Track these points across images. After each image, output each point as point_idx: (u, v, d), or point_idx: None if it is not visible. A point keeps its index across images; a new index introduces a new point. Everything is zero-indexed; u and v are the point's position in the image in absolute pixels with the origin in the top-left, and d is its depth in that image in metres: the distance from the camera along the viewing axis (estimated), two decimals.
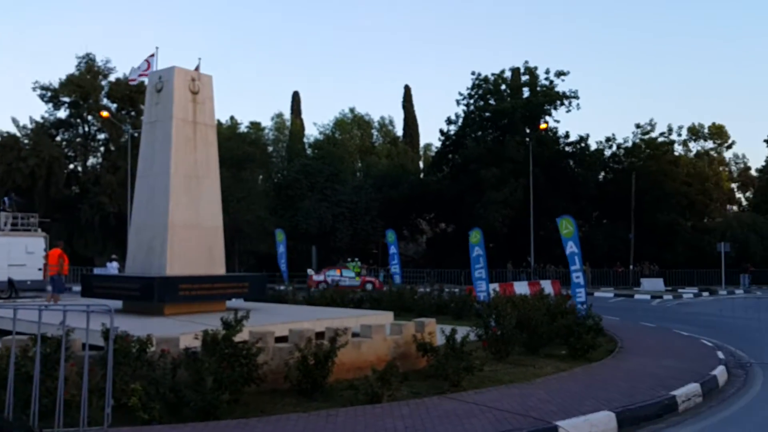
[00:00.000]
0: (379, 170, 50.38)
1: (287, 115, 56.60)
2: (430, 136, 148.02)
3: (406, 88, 59.29)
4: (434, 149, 54.51)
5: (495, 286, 21.16)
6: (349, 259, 37.78)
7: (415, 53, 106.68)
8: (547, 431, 6.40)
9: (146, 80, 15.35)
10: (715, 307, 24.37)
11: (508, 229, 41.17)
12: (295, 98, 57.50)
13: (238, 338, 7.21)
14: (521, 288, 22.28)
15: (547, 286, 24.13)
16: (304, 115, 56.89)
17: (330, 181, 43.93)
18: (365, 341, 9.01)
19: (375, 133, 60.23)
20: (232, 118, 48.77)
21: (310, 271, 34.16)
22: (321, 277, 31.66)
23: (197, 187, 12.94)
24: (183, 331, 8.77)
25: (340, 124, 56.30)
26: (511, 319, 10.60)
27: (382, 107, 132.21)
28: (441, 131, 48.34)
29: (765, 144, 54.77)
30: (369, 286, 30.18)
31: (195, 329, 8.08)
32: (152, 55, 16.30)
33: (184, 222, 12.53)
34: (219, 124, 40.17)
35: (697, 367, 9.90)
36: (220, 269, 13.22)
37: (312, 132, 59.28)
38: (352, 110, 57.83)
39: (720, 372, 9.61)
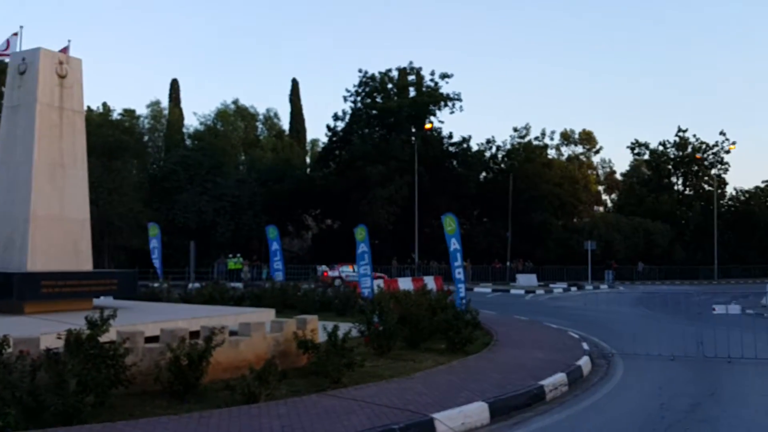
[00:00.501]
0: (264, 164, 49.48)
1: (165, 103, 54.11)
2: (317, 131, 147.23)
3: (293, 81, 58.61)
4: (321, 145, 54.28)
5: (379, 282, 21.40)
6: (230, 255, 36.76)
7: (305, 46, 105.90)
8: (424, 424, 6.49)
9: (7, 60, 14.08)
10: (581, 301, 26.06)
11: (394, 225, 41.86)
12: (174, 86, 55.01)
13: (104, 338, 6.75)
14: (405, 284, 22.65)
15: (430, 282, 24.71)
16: (183, 105, 54.60)
17: (211, 174, 42.43)
18: (243, 340, 8.73)
19: (260, 125, 58.90)
20: (104, 104, 45.76)
21: (323, 267, 34.27)
22: (336, 273, 31.79)
23: (63, 176, 12.00)
24: (44, 330, 8.08)
25: (222, 115, 54.53)
26: (393, 315, 10.72)
27: (269, 100, 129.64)
28: (328, 127, 48.31)
29: (628, 150, 59.40)
30: (380, 282, 30.51)
31: (58, 329, 7.44)
32: (15, 34, 14.94)
33: (47, 214, 11.58)
34: (89, 110, 37.75)
35: (564, 357, 10.48)
36: (87, 265, 12.35)
37: (192, 122, 56.83)
38: (235, 102, 56.27)
39: (585, 362, 10.22)
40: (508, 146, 50.08)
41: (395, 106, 44.95)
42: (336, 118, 47.91)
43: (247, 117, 56.76)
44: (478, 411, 7.03)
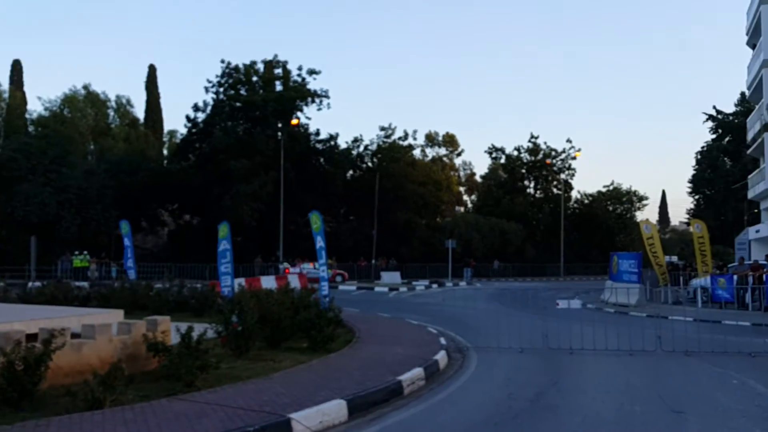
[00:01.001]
0: (115, 155, 46.48)
1: (5, 86, 49.27)
2: (175, 122, 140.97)
3: (150, 67, 55.68)
4: (180, 136, 51.95)
5: (241, 281, 20.81)
6: (76, 252, 34.15)
7: (164, 32, 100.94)
8: (280, 424, 6.35)
9: None
10: (441, 298, 27.06)
11: (258, 222, 41.01)
12: (16, 67, 50.32)
13: None
14: (268, 282, 22.19)
15: (294, 280, 24.48)
16: (26, 88, 50.16)
17: (55, 164, 39.11)
18: (87, 342, 8.09)
19: (111, 113, 55.25)
20: None
21: (285, 264, 34.40)
22: (297, 270, 30.81)
23: None
24: None
25: (70, 100, 50.55)
26: (253, 314, 10.43)
27: (123, 86, 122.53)
28: (188, 117, 46.34)
29: (487, 154, 62.56)
30: (339, 279, 30.90)
31: None
32: None
33: None
34: None
35: (422, 352, 10.76)
36: None
37: (36, 107, 52.31)
38: (86, 87, 52.38)
39: (441, 356, 10.56)
40: (375, 146, 50.83)
41: (260, 100, 44.06)
42: (197, 108, 46.13)
43: (97, 104, 53.01)
44: (336, 409, 7.00)
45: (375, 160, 50.33)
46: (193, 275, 30.23)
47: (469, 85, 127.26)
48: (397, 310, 20.75)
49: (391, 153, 49.62)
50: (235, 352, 10.11)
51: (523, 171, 61.02)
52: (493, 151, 61.93)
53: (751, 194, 36.76)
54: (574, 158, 60.38)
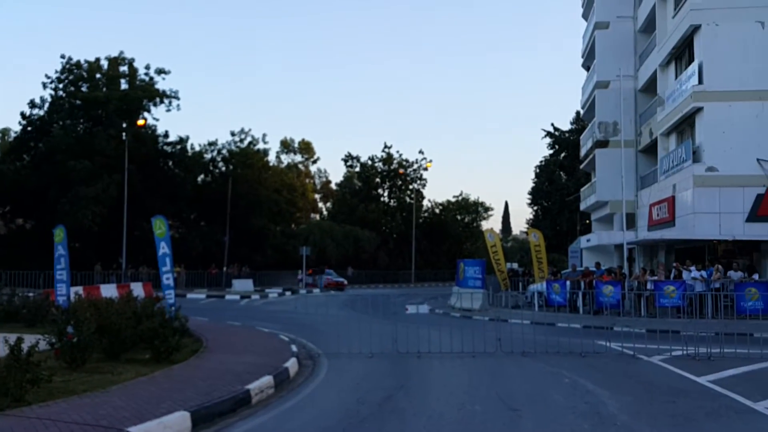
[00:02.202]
0: None
1: None
2: (8, 119, 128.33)
3: None
4: (14, 134, 47.27)
5: (78, 289, 19.31)
6: None
7: None
8: None
9: None
10: (294, 305, 26.87)
11: (99, 227, 38.23)
12: None
13: None
14: (109, 291, 20.83)
15: (137, 288, 23.11)
16: None
17: None
18: None
19: None
20: None
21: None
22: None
23: None
24: None
25: None
26: (90, 324, 9.69)
27: None
28: (23, 115, 42.22)
29: (342, 162, 63.32)
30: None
31: None
32: None
33: None
34: None
35: (273, 360, 10.60)
36: None
37: None
38: None
39: (292, 364, 10.46)
40: (227, 150, 49.29)
41: (103, 98, 41.24)
42: (33, 105, 42.17)
43: None
44: (179, 421, 6.67)
45: (228, 165, 48.89)
46: (27, 283, 27.52)
47: (325, 92, 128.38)
48: (248, 318, 20.29)
49: (245, 158, 48.43)
50: (71, 364, 9.36)
51: (378, 180, 62.47)
52: (349, 159, 62.88)
53: (583, 206, 40.38)
54: (425, 169, 62.86)
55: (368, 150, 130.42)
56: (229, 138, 49.42)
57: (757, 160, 22.71)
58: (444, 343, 12.66)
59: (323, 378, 10.11)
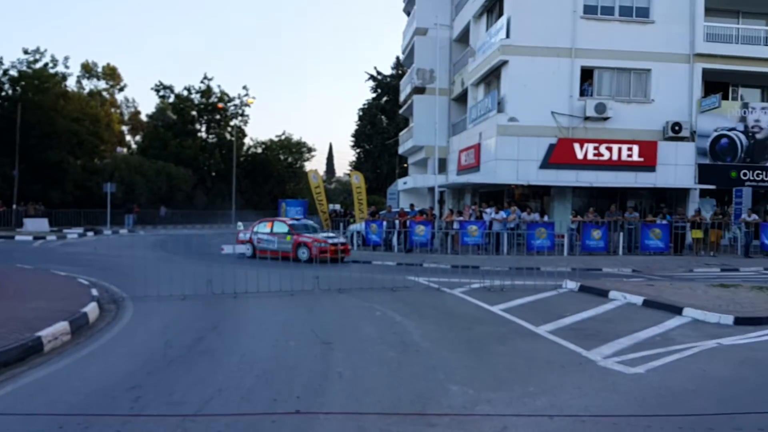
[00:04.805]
0: None
1: None
2: None
3: None
4: None
5: None
6: None
7: None
8: None
9: None
10: (94, 246, 24.95)
11: None
12: None
13: None
14: None
15: None
16: None
17: None
18: None
19: None
20: None
21: (239, 224, 24.15)
22: (247, 236, 20.52)
23: None
24: None
25: None
26: None
27: None
28: None
29: (154, 92, 58.67)
30: (304, 253, 19.22)
31: None
32: None
33: None
34: None
35: (70, 305, 9.73)
36: None
37: None
38: None
39: (91, 308, 9.68)
40: (17, 71, 43.13)
41: None
42: None
43: None
44: None
45: (17, 88, 42.90)
46: None
47: (133, 12, 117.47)
48: (43, 261, 18.46)
49: (38, 81, 42.76)
50: None
51: (194, 113, 59.10)
52: (161, 88, 58.28)
53: (401, 150, 41.83)
54: (248, 105, 60.67)
55: (184, 81, 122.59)
56: (19, 57, 43.25)
57: (552, 112, 24.97)
58: (262, 283, 12.55)
59: (128, 322, 9.52)
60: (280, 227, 19.96)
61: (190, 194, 53.25)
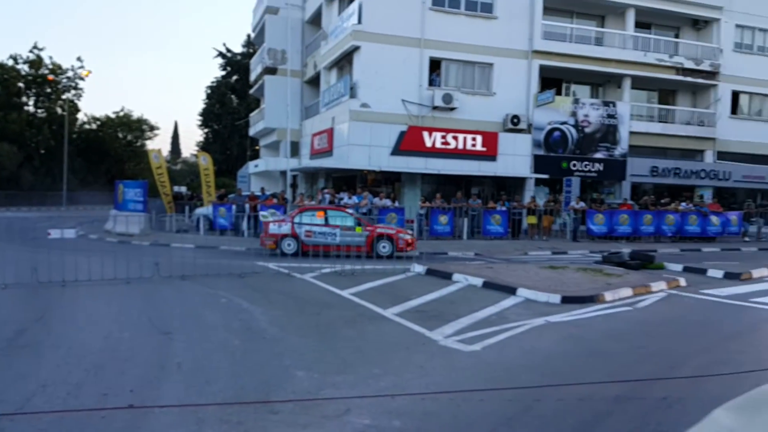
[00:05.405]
0: None
1: None
2: None
3: None
4: None
5: None
6: None
7: None
8: None
9: None
10: None
11: None
12: None
13: None
14: None
15: None
16: None
17: None
18: None
19: None
20: None
21: (264, 214, 18.27)
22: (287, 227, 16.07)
23: None
24: None
25: None
26: None
27: None
28: None
29: None
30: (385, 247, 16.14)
31: None
32: None
33: None
34: None
35: None
36: None
37: None
38: None
39: None
40: None
41: None
42: None
43: None
44: None
45: None
46: None
47: None
48: None
49: None
50: None
51: (21, 85, 53.48)
52: None
53: (252, 132, 40.73)
54: (82, 78, 56.07)
55: (9, 49, 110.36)
56: None
57: (402, 101, 25.60)
58: (94, 270, 11.65)
59: None
60: (341, 218, 17.38)
61: (16, 174, 48.31)
